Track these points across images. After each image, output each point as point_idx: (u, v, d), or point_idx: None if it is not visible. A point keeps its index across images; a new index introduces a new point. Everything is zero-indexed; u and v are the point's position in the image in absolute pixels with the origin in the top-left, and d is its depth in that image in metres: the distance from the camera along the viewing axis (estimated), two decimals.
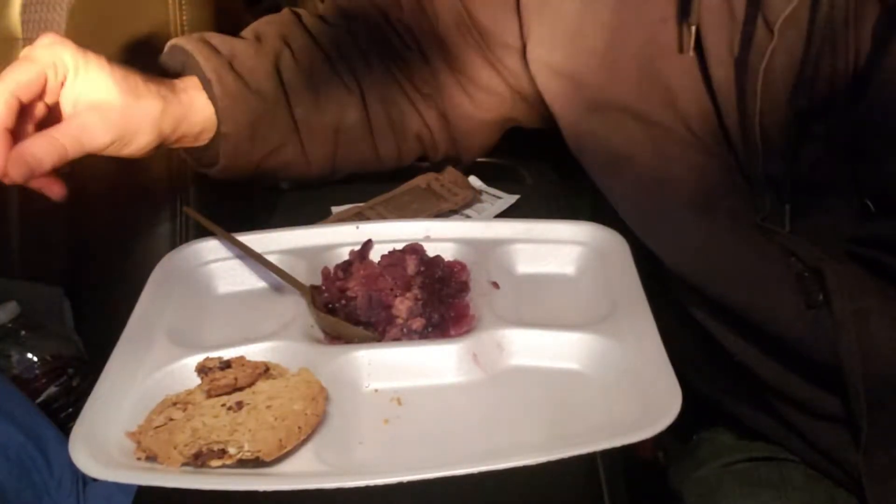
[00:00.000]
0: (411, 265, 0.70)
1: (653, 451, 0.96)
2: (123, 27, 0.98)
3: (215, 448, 0.53)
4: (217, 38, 0.82)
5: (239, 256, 0.74)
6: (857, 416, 0.68)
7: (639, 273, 0.69)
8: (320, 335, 0.66)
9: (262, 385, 0.59)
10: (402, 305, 0.66)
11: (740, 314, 0.71)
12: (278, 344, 0.64)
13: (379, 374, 0.61)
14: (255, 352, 0.63)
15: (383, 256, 0.72)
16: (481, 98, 0.88)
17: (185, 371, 0.62)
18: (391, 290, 0.68)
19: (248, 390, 0.58)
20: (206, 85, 0.78)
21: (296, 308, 0.68)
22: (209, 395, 0.58)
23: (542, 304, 0.69)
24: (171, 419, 0.56)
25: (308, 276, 0.71)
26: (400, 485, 0.51)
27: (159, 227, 1.00)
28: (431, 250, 0.73)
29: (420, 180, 0.90)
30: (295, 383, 0.58)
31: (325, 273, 0.72)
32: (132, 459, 0.54)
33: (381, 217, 0.84)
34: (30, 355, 0.95)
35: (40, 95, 0.68)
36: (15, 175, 0.63)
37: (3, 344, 0.94)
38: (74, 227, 1.04)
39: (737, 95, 0.69)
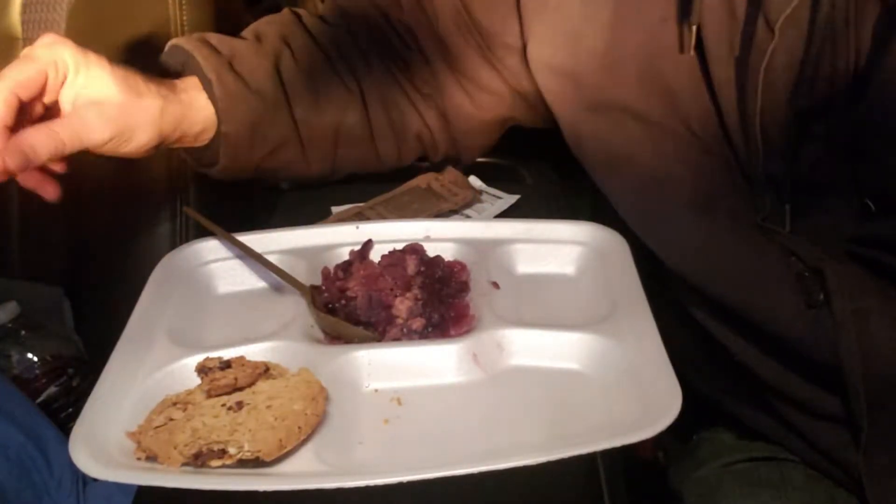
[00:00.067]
0: (411, 265, 0.70)
1: (653, 451, 0.96)
2: (123, 27, 0.98)
3: (215, 448, 0.53)
4: (217, 38, 0.82)
5: (239, 256, 0.74)
6: (858, 416, 0.68)
7: (639, 273, 0.69)
8: (320, 335, 0.66)
9: (262, 385, 0.59)
10: (402, 305, 0.66)
11: (740, 314, 0.71)
12: (278, 344, 0.64)
13: (379, 374, 0.61)
14: (255, 352, 0.63)
15: (383, 256, 0.72)
16: (481, 98, 0.88)
17: (185, 371, 0.62)
18: (391, 290, 0.68)
19: (248, 390, 0.58)
20: (207, 85, 0.78)
21: (296, 308, 0.68)
22: (209, 395, 0.58)
23: (542, 304, 0.69)
24: (171, 419, 0.56)
25: (308, 276, 0.71)
26: (400, 485, 0.51)
27: (159, 227, 1.00)
28: (431, 250, 0.73)
29: (420, 180, 0.90)
30: (295, 383, 0.58)
31: (325, 273, 0.72)
32: (132, 459, 0.54)
33: (381, 217, 0.84)
34: (30, 355, 0.95)
35: (40, 94, 0.68)
36: (10, 163, 0.63)
37: (3, 344, 0.94)
38: (74, 227, 1.04)
39: (737, 95, 0.69)
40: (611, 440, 0.53)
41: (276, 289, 0.72)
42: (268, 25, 0.86)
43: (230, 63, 0.80)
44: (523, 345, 0.63)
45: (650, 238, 0.75)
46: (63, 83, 0.69)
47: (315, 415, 0.55)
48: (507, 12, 0.83)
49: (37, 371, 0.94)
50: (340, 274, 0.71)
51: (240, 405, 0.56)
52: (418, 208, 0.85)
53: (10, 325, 0.95)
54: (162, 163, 0.99)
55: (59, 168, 0.70)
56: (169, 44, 0.82)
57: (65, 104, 0.69)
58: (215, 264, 0.74)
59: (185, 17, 0.99)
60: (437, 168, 0.92)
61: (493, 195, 0.89)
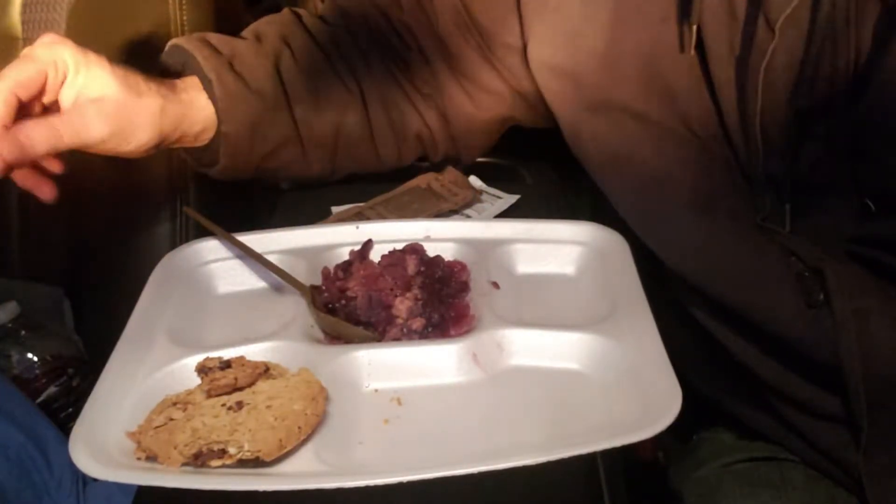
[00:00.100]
0: (411, 265, 0.70)
1: (653, 451, 0.96)
2: (123, 27, 0.98)
3: (215, 448, 0.53)
4: (217, 38, 0.82)
5: (239, 256, 0.74)
6: (858, 416, 0.68)
7: (639, 273, 0.69)
8: (320, 335, 0.66)
9: (262, 385, 0.59)
10: (402, 305, 0.66)
11: (740, 314, 0.71)
12: (278, 344, 0.63)
13: (379, 374, 0.61)
14: (255, 352, 0.63)
15: (383, 256, 0.72)
16: (481, 98, 0.88)
17: (185, 371, 0.62)
18: (391, 290, 0.68)
19: (248, 390, 0.58)
20: (207, 85, 0.78)
21: (296, 308, 0.68)
22: (209, 395, 0.58)
23: (542, 304, 0.69)
24: (171, 419, 0.56)
25: (308, 276, 0.71)
26: (400, 485, 0.51)
27: (159, 227, 1.00)
28: (431, 250, 0.73)
29: (420, 180, 0.90)
30: (295, 383, 0.58)
31: (325, 273, 0.72)
32: (132, 459, 0.54)
33: (381, 217, 0.84)
34: (30, 355, 0.95)
35: (39, 94, 0.68)
36: (6, 154, 0.63)
37: (3, 344, 0.94)
38: (74, 227, 1.04)
39: (737, 95, 0.69)
40: (611, 440, 0.53)
41: (276, 289, 0.72)
42: (268, 25, 0.86)
43: (230, 63, 0.80)
44: (523, 345, 0.63)
45: (650, 238, 0.75)
46: (62, 83, 0.69)
47: (315, 415, 0.55)
48: (507, 12, 0.83)
49: (37, 371, 0.94)
50: (340, 274, 0.71)
51: (240, 405, 0.56)
52: (418, 208, 0.85)
53: (10, 325, 0.95)
54: (162, 163, 0.99)
55: (56, 168, 0.70)
56: (169, 44, 0.82)
57: (65, 104, 0.69)
58: (215, 264, 0.74)
59: (185, 17, 0.99)
60: (437, 168, 0.92)
61: (493, 195, 0.89)
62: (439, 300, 0.67)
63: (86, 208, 1.01)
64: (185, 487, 0.52)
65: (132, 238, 1.00)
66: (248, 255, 0.72)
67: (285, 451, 0.53)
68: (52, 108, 0.70)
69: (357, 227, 0.76)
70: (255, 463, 0.53)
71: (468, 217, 0.85)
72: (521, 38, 0.83)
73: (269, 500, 0.51)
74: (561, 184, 0.98)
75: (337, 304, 0.68)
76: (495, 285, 0.69)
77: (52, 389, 0.95)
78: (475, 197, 0.88)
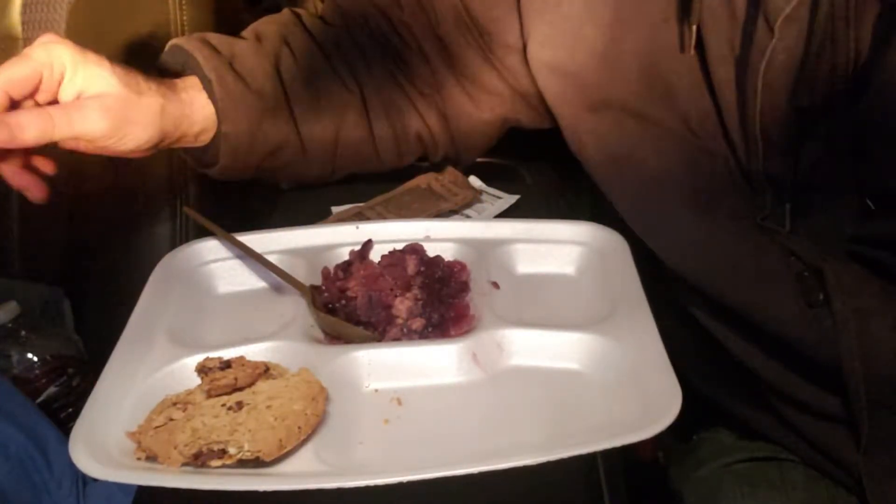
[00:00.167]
0: (411, 265, 0.70)
1: (653, 451, 0.96)
2: (123, 27, 0.98)
3: (215, 448, 0.53)
4: (217, 38, 0.82)
5: (239, 256, 0.74)
6: (857, 416, 0.68)
7: (639, 273, 0.69)
8: (320, 335, 0.66)
9: (262, 385, 0.59)
10: (402, 305, 0.66)
11: (740, 314, 0.71)
12: (278, 344, 0.63)
13: (379, 374, 0.61)
14: (255, 352, 0.63)
15: (383, 256, 0.72)
16: (481, 98, 0.88)
17: (185, 371, 0.62)
18: (391, 290, 0.68)
19: (248, 390, 0.58)
20: (207, 85, 0.78)
21: (296, 308, 0.68)
22: (209, 395, 0.58)
23: (542, 304, 0.69)
24: (171, 419, 0.56)
25: (308, 276, 0.71)
26: (400, 485, 0.51)
27: (159, 227, 1.00)
28: (431, 250, 0.73)
29: (420, 180, 0.90)
30: (295, 383, 0.58)
31: (325, 273, 0.72)
32: (132, 459, 0.54)
33: (381, 217, 0.84)
34: (30, 355, 0.95)
35: (33, 93, 0.68)
36: None
37: (3, 344, 0.94)
38: (74, 227, 1.04)
39: (737, 94, 0.69)
40: (611, 440, 0.53)
41: (276, 289, 0.72)
42: (268, 25, 0.86)
43: (230, 63, 0.80)
44: (523, 345, 0.63)
45: (650, 238, 0.75)
46: (60, 83, 0.68)
47: (315, 415, 0.55)
48: (508, 12, 0.83)
49: (37, 371, 0.94)
50: (340, 274, 0.71)
51: (240, 405, 0.56)
52: (418, 208, 0.85)
53: (10, 325, 0.95)
54: (162, 163, 0.99)
55: (48, 169, 0.70)
56: (169, 44, 0.82)
57: (65, 100, 0.69)
58: (215, 264, 0.74)
59: (185, 17, 0.99)
60: (437, 168, 0.92)
61: (493, 195, 0.89)
62: (439, 300, 0.67)
63: (86, 208, 1.00)
64: (185, 487, 0.52)
65: (132, 238, 1.00)
66: (248, 255, 0.72)
67: (285, 451, 0.53)
68: None
69: (357, 227, 0.76)
70: (255, 463, 0.53)
71: (468, 217, 0.85)
72: (522, 38, 0.83)
73: (269, 500, 0.51)
74: (561, 184, 0.98)
75: (337, 304, 0.68)
76: (495, 285, 0.69)
77: (52, 389, 0.95)
78: (475, 197, 0.88)
